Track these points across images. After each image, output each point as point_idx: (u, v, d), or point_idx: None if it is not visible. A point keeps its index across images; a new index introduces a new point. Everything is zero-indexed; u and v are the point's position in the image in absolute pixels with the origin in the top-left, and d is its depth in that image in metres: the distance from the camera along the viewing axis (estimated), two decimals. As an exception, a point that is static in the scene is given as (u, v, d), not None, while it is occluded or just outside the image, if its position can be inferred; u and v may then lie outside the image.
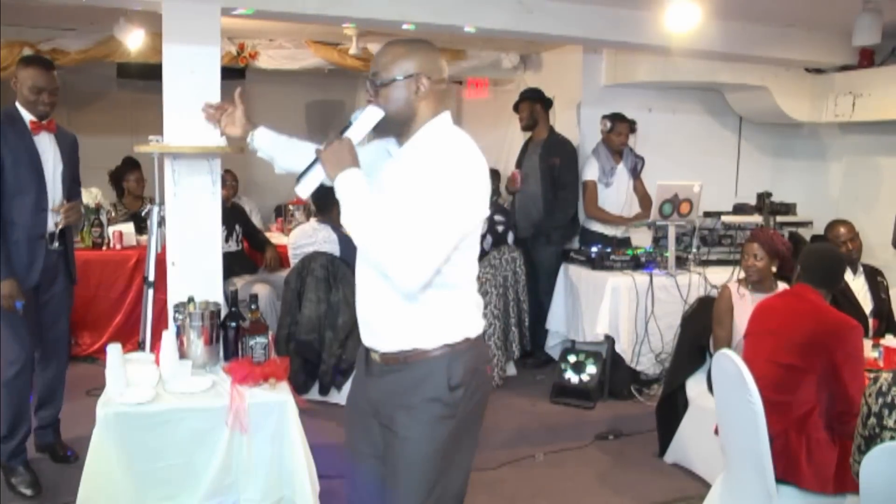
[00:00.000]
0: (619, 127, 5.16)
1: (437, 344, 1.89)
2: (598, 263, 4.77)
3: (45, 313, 3.50)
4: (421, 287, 1.79)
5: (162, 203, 3.53)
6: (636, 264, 4.76)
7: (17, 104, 3.30)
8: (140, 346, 3.85)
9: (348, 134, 1.90)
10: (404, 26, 3.87)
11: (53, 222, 3.36)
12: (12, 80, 3.28)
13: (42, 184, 3.31)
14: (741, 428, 2.70)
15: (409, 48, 1.90)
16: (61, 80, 6.99)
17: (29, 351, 3.37)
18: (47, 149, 3.39)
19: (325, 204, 4.39)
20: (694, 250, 4.97)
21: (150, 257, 3.63)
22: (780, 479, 2.64)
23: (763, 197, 5.51)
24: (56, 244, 3.42)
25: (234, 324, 3.09)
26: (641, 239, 5.35)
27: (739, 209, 5.62)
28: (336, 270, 3.98)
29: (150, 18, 4.44)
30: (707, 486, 3.49)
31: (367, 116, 1.89)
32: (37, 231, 3.29)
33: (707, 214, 5.16)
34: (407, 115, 1.89)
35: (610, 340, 4.64)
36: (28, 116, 3.32)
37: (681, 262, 4.84)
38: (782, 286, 3.62)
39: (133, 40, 5.27)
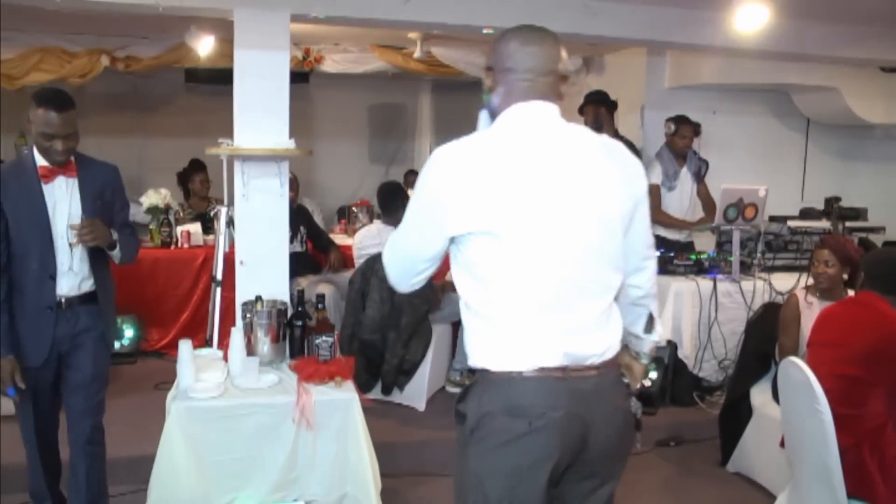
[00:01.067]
0: (683, 129, 5.09)
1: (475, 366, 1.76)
2: (660, 268, 4.69)
3: (71, 398, 2.89)
4: (404, 289, 1.85)
5: (230, 204, 3.63)
6: (699, 269, 4.68)
7: (35, 146, 2.70)
8: (207, 343, 3.97)
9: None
10: (484, 31, 3.90)
11: (68, 286, 2.74)
12: (26, 119, 2.63)
13: (48, 245, 2.66)
14: (809, 439, 2.63)
15: (496, 41, 1.84)
16: (132, 85, 7.38)
17: (43, 435, 2.94)
18: (62, 198, 2.71)
19: (390, 206, 4.45)
20: (759, 255, 4.86)
21: (219, 257, 3.74)
22: (852, 495, 2.56)
23: (832, 201, 5.36)
24: (74, 309, 2.78)
25: (300, 323, 3.16)
26: (705, 243, 5.26)
27: (806, 214, 5.48)
28: (400, 271, 4.04)
29: (219, 25, 4.58)
30: (771, 497, 3.42)
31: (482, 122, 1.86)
32: (43, 301, 2.68)
33: (773, 219, 5.04)
34: (494, 110, 1.82)
35: (672, 346, 4.58)
36: (41, 161, 2.70)
37: (745, 268, 4.75)
38: (851, 294, 3.52)
39: (203, 47, 5.44)
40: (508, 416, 1.64)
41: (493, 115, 1.78)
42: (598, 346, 1.70)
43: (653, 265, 1.92)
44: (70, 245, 2.70)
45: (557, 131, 1.73)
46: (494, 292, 1.66)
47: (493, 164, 1.65)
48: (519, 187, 1.63)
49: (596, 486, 1.77)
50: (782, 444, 2.98)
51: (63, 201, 2.69)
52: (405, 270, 1.82)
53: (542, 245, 1.64)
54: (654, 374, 3.81)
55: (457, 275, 1.74)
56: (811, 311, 3.53)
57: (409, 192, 4.59)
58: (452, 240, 1.69)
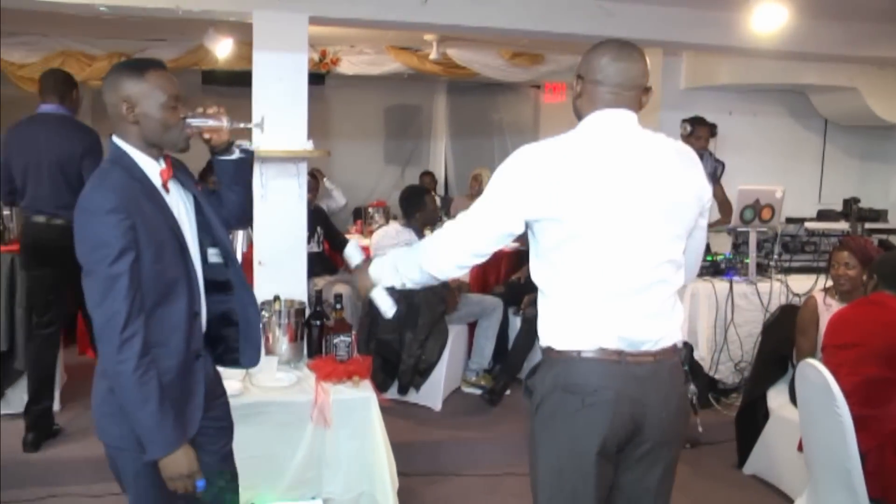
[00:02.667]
0: (699, 130, 5.08)
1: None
2: (676, 269, 4.70)
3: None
4: (445, 273, 1.92)
5: (249, 204, 3.65)
6: (716, 271, 4.67)
7: (127, 144, 1.91)
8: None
9: None
10: (504, 33, 3.93)
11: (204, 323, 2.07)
12: (122, 105, 1.86)
13: (191, 273, 1.96)
14: (828, 442, 2.62)
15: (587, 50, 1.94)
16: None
17: None
18: (181, 208, 2.00)
19: (409, 208, 4.48)
20: (775, 257, 4.84)
21: (237, 257, 3.76)
22: (874, 498, 2.53)
23: (850, 202, 5.31)
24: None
25: (318, 322, 3.19)
26: (721, 245, 5.24)
27: (824, 215, 5.44)
28: (417, 272, 4.06)
29: (237, 28, 4.62)
30: (788, 500, 3.41)
31: None
32: (192, 347, 1.97)
33: (789, 220, 5.02)
34: (577, 117, 1.94)
35: (688, 347, 4.54)
36: (149, 162, 1.92)
37: (761, 269, 4.73)
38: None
39: (221, 49, 5.49)
40: (565, 392, 1.83)
41: (578, 118, 1.92)
42: (654, 333, 1.84)
43: (690, 277, 2.06)
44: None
45: (634, 135, 1.87)
46: (564, 278, 1.83)
47: (572, 159, 1.80)
48: (593, 183, 1.78)
49: (650, 465, 1.91)
50: (800, 447, 2.97)
51: (182, 213, 1.99)
52: (464, 249, 1.88)
53: (609, 238, 1.79)
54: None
55: (535, 266, 1.91)
56: (830, 314, 3.50)
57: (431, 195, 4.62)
58: (529, 227, 1.85)
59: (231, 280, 2.07)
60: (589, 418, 1.81)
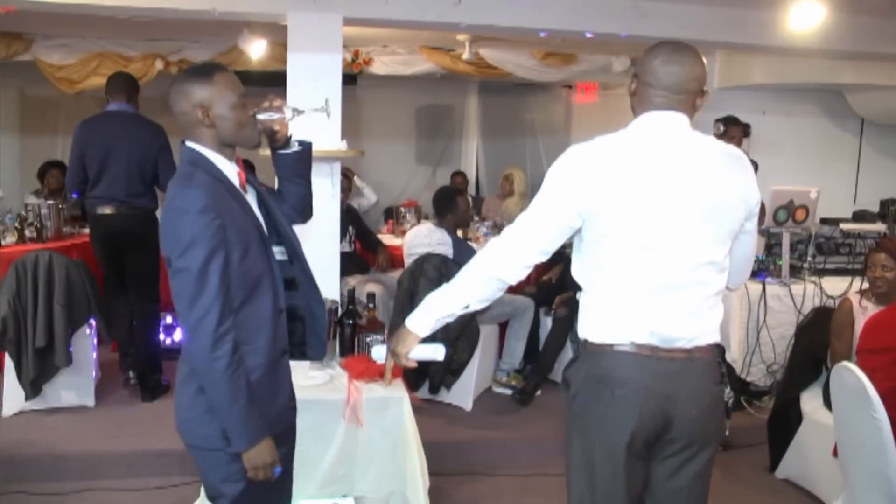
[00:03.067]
0: (732, 130, 5.03)
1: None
2: (708, 271, 4.66)
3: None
4: (512, 275, 1.91)
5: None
6: (748, 272, 4.63)
7: (202, 147, 1.92)
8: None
9: None
10: (542, 34, 3.93)
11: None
12: (197, 111, 1.88)
13: (274, 270, 2.00)
14: (865, 448, 2.58)
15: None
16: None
17: None
18: (255, 207, 2.03)
19: (442, 208, 4.50)
20: (809, 259, 4.78)
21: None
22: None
23: (888, 203, 5.23)
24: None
25: (350, 321, 3.21)
26: (753, 246, 5.18)
27: (860, 216, 5.35)
28: (448, 272, 4.05)
29: (271, 29, 4.67)
30: (823, 505, 3.38)
31: None
32: (278, 346, 2.02)
33: (824, 221, 4.94)
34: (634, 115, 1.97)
35: (720, 349, 4.52)
36: (226, 164, 1.95)
37: (795, 271, 4.67)
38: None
39: (255, 50, 5.55)
40: (598, 383, 1.88)
41: (635, 115, 1.94)
42: (689, 331, 1.85)
43: (738, 280, 2.08)
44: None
45: (683, 138, 1.88)
46: (603, 273, 1.87)
47: (618, 157, 1.84)
48: (635, 181, 1.81)
49: (682, 462, 1.91)
50: (835, 452, 2.93)
51: (256, 211, 2.01)
52: (529, 248, 1.89)
53: (648, 235, 1.82)
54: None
55: (576, 261, 1.95)
56: (865, 316, 3.46)
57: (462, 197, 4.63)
58: (575, 227, 1.87)
59: (296, 277, 2.10)
60: (618, 410, 1.85)
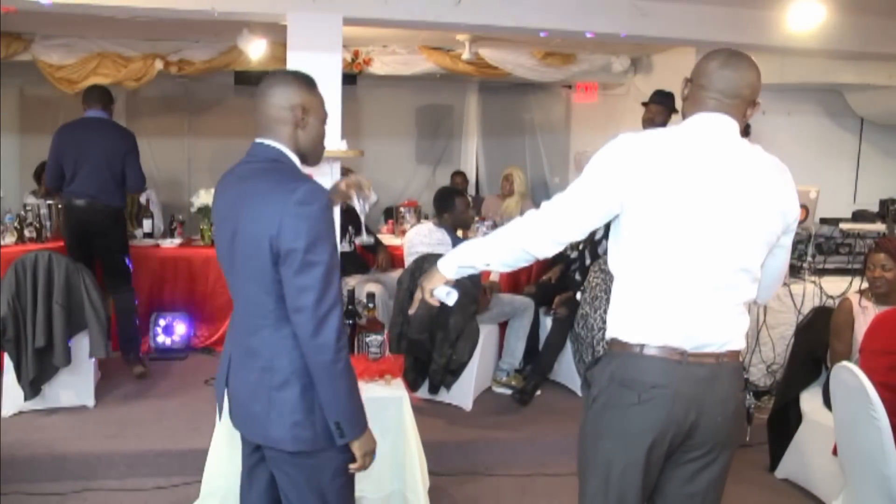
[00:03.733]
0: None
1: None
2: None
3: None
4: (540, 249, 1.91)
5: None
6: (748, 272, 4.63)
7: (282, 146, 1.94)
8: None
9: None
10: (542, 34, 3.93)
11: None
12: (297, 110, 1.92)
13: None
14: (865, 447, 2.58)
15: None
16: (183, 87, 7.56)
17: None
18: None
19: (440, 208, 4.49)
20: (809, 258, 4.78)
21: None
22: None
23: (887, 203, 5.23)
24: None
25: (350, 321, 3.20)
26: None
27: (859, 216, 5.35)
28: (448, 272, 4.06)
29: (271, 29, 4.67)
30: (822, 504, 3.38)
31: None
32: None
33: (824, 221, 4.95)
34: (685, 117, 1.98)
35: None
36: (300, 165, 2.01)
37: (795, 271, 4.68)
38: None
39: (255, 50, 5.54)
40: (622, 386, 1.87)
41: (683, 118, 1.95)
42: (719, 337, 1.86)
43: (767, 295, 2.08)
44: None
45: (731, 142, 1.88)
46: (640, 267, 1.87)
47: (666, 152, 1.84)
48: (681, 178, 1.81)
49: (700, 468, 1.91)
50: (835, 451, 2.93)
51: None
52: (565, 226, 1.89)
53: (688, 235, 1.82)
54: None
55: (613, 252, 1.94)
56: (865, 316, 3.47)
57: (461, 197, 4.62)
58: (616, 217, 1.88)
59: None
60: (643, 414, 1.84)
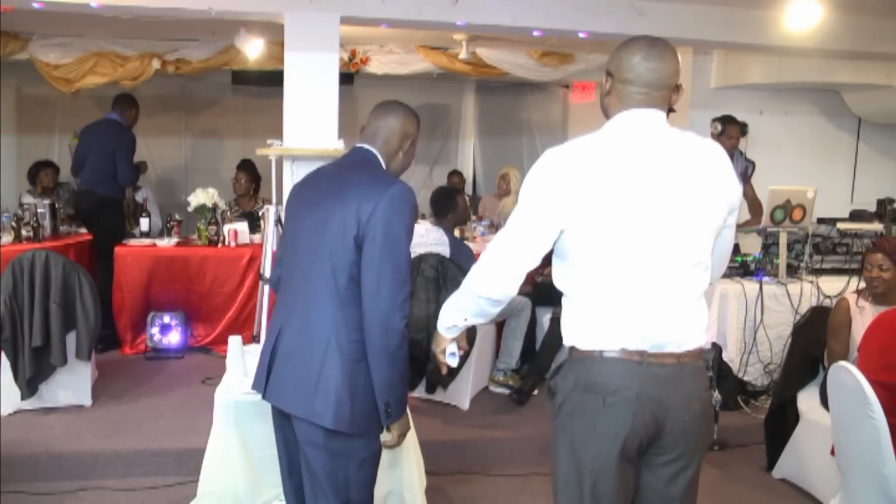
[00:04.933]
0: (729, 129, 5.03)
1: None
2: (705, 269, 4.67)
3: None
4: (501, 292, 1.87)
5: (279, 203, 3.70)
6: (745, 271, 4.63)
7: (379, 156, 2.18)
8: (254, 340, 4.04)
9: None
10: (537, 33, 3.92)
11: None
12: (407, 139, 2.20)
13: None
14: (862, 447, 2.58)
15: (616, 48, 1.89)
16: (180, 87, 7.56)
17: None
18: None
19: (441, 208, 4.48)
20: (806, 258, 4.79)
21: (266, 255, 3.81)
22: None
23: (885, 203, 5.23)
24: None
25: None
26: (750, 245, 5.19)
27: (857, 216, 5.35)
28: (446, 271, 4.05)
29: (268, 28, 4.67)
30: (819, 504, 3.38)
31: None
32: None
33: (821, 221, 4.95)
34: (605, 115, 1.90)
35: (717, 349, 4.53)
36: None
37: (792, 271, 4.67)
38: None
39: (252, 49, 5.54)
40: (587, 391, 1.81)
41: (606, 117, 1.89)
42: (678, 335, 1.81)
43: (716, 275, 2.01)
44: None
45: (662, 136, 1.83)
46: (587, 279, 1.82)
47: (598, 161, 1.78)
48: (619, 184, 1.76)
49: (676, 471, 1.87)
50: (833, 451, 2.93)
51: None
52: (512, 265, 1.85)
53: (634, 239, 1.77)
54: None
55: (557, 268, 1.90)
56: (862, 316, 3.47)
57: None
58: (560, 232, 1.81)
59: None
60: (610, 418, 1.79)
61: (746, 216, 5.14)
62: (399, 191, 1.99)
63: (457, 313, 1.98)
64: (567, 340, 1.89)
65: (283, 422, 2.17)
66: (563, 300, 1.91)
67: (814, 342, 3.79)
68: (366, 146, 2.15)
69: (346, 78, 6.54)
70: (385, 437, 2.12)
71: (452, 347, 2.07)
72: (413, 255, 4.24)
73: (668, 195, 1.77)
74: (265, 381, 2.11)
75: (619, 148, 1.80)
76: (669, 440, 1.84)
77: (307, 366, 2.01)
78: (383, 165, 2.16)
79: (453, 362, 2.09)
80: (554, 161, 1.81)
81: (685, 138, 1.85)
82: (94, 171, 5.30)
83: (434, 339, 2.08)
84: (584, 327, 1.84)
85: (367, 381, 2.01)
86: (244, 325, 5.13)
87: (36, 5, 3.63)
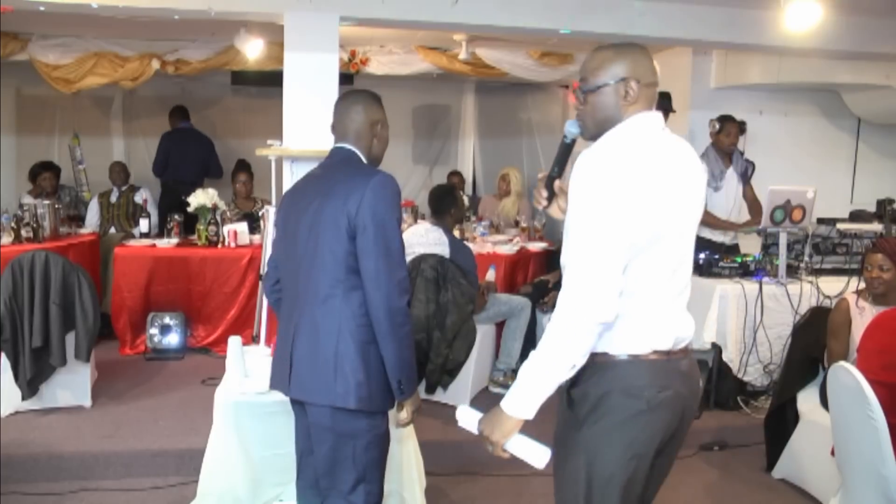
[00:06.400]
0: (727, 127, 5.02)
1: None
2: (705, 270, 4.66)
3: None
4: (610, 312, 1.68)
5: (278, 204, 3.69)
6: (745, 272, 4.62)
7: (357, 150, 2.32)
8: (254, 340, 4.05)
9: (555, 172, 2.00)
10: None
11: None
12: (376, 125, 2.34)
13: None
14: (861, 447, 2.58)
15: (618, 52, 1.84)
16: (180, 87, 7.57)
17: None
18: None
19: (441, 207, 4.48)
20: (806, 259, 4.78)
21: (266, 255, 3.81)
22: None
23: (884, 203, 5.23)
24: None
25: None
26: (750, 246, 5.19)
27: (857, 216, 5.36)
28: (445, 272, 4.06)
29: (268, 28, 4.67)
30: (819, 504, 3.38)
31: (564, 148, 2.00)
32: None
33: (821, 221, 4.95)
34: (616, 120, 1.82)
35: (717, 349, 4.54)
36: None
37: (791, 271, 4.67)
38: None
39: (252, 49, 5.54)
40: (626, 395, 1.77)
41: (608, 125, 1.82)
42: (690, 330, 1.87)
43: None
44: None
45: (671, 138, 1.85)
46: (642, 285, 1.76)
47: (652, 163, 1.75)
48: (665, 189, 1.74)
49: (669, 456, 1.93)
50: (833, 452, 2.93)
51: None
52: (612, 284, 1.68)
53: (678, 241, 1.79)
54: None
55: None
56: (862, 317, 3.47)
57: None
58: None
59: None
60: (653, 420, 1.77)
61: (746, 216, 5.14)
62: (379, 180, 2.13)
63: (560, 366, 1.70)
64: (598, 346, 1.76)
65: (304, 416, 2.28)
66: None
67: (814, 342, 3.79)
68: (344, 146, 2.27)
69: (346, 78, 6.52)
70: (400, 415, 2.24)
71: (523, 444, 1.77)
72: (413, 256, 4.25)
73: (691, 195, 1.81)
74: (287, 379, 2.21)
75: (657, 148, 1.79)
76: (683, 431, 1.89)
77: (324, 356, 2.12)
78: (363, 159, 2.29)
79: (541, 462, 1.77)
80: (618, 163, 1.71)
81: (681, 140, 1.89)
82: (189, 170, 6.68)
83: (497, 423, 1.78)
84: (617, 332, 1.76)
85: (378, 361, 2.13)
86: (244, 326, 5.13)
87: (39, 8, 3.63)
